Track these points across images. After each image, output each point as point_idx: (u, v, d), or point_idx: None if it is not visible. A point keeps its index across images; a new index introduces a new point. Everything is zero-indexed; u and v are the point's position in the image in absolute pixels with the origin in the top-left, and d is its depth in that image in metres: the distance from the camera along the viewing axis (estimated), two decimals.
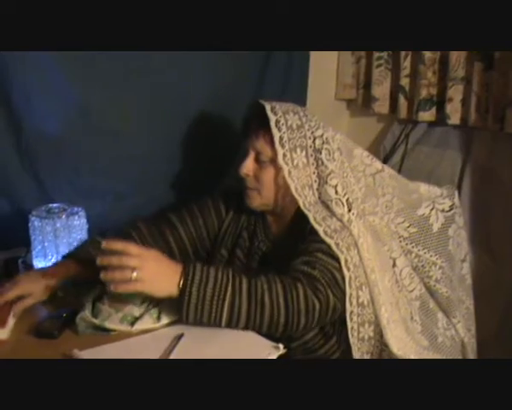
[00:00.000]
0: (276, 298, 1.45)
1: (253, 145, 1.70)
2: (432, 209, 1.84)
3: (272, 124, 1.64)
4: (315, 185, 1.69)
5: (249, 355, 1.40)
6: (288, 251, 1.66)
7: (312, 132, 1.69)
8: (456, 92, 2.21)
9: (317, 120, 1.72)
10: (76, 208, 1.79)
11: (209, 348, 1.43)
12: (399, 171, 2.35)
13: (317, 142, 1.69)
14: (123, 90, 2.00)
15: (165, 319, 1.53)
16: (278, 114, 1.65)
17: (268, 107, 1.66)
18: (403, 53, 2.35)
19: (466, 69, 2.18)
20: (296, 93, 2.42)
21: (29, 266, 1.80)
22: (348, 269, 1.59)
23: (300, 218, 1.68)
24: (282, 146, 1.64)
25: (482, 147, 2.21)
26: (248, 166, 1.70)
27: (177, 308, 1.45)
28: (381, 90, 2.48)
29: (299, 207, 1.68)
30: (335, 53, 2.63)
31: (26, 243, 1.80)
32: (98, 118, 1.99)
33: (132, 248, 1.43)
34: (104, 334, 1.49)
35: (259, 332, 1.47)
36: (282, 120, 1.65)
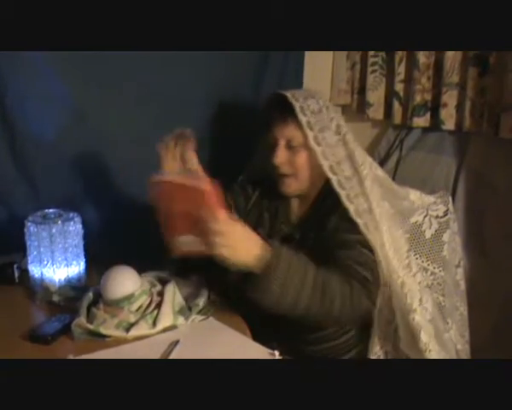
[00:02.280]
0: (341, 304, 1.53)
1: (282, 133, 1.72)
2: (425, 216, 1.86)
3: (297, 109, 1.67)
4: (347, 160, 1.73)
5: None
6: (310, 231, 1.73)
7: (331, 118, 1.73)
8: (450, 98, 2.21)
9: (331, 106, 1.77)
10: (71, 214, 1.78)
11: (205, 354, 1.43)
12: (394, 176, 2.35)
13: (334, 123, 1.73)
14: (120, 93, 2.00)
15: (160, 325, 1.53)
16: (300, 100, 1.69)
17: (289, 95, 1.69)
18: (397, 59, 2.36)
19: (460, 75, 2.18)
20: None
21: (24, 272, 1.80)
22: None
23: (324, 197, 1.75)
24: (311, 129, 1.68)
25: (477, 152, 2.21)
26: (281, 154, 1.73)
27: (245, 282, 1.49)
28: (376, 95, 2.48)
29: (322, 187, 1.75)
30: (330, 58, 2.64)
31: (21, 249, 1.80)
32: (94, 122, 1.99)
33: (220, 213, 1.43)
34: (99, 339, 1.49)
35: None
36: (305, 106, 1.69)
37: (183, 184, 1.47)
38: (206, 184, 1.42)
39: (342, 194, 1.66)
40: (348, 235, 1.65)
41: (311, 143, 1.67)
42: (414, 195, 1.88)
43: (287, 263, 1.48)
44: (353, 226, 1.64)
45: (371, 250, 1.64)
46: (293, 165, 1.73)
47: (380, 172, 1.83)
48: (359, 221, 1.64)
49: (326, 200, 1.74)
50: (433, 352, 1.72)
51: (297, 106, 1.67)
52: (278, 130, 1.73)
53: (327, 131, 1.69)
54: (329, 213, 1.70)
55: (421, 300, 1.76)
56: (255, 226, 1.85)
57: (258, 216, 1.88)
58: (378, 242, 1.66)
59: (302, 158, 1.72)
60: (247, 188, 1.93)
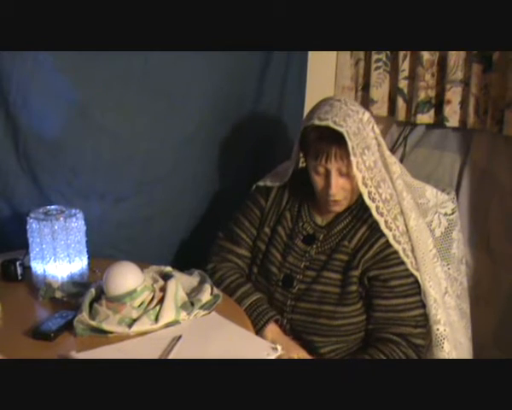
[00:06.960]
0: None
1: (333, 165, 1.70)
2: (435, 214, 1.86)
3: (346, 136, 1.64)
4: (387, 178, 1.75)
5: (248, 356, 1.40)
6: (336, 236, 1.80)
7: (367, 133, 1.72)
8: (454, 94, 2.20)
9: (363, 115, 1.74)
10: (74, 210, 1.78)
11: (207, 349, 1.43)
12: None
13: (371, 137, 1.73)
14: (123, 91, 1.99)
15: (163, 321, 1.53)
16: (343, 125, 1.66)
17: (331, 123, 1.66)
18: (401, 55, 2.35)
19: (464, 71, 2.18)
20: (295, 95, 2.42)
21: (27, 268, 1.80)
22: (415, 270, 1.72)
23: (357, 206, 1.80)
24: (355, 155, 1.66)
25: (481, 149, 2.20)
26: (338, 185, 1.73)
27: None
28: (380, 92, 2.47)
29: (357, 199, 1.79)
30: (334, 55, 2.63)
31: (23, 245, 1.80)
32: (97, 118, 1.98)
33: None
34: (102, 335, 1.49)
35: None
36: (348, 129, 1.65)
37: None
38: None
39: (381, 221, 1.71)
40: (391, 269, 1.72)
41: (354, 170, 1.67)
42: (430, 192, 1.89)
43: None
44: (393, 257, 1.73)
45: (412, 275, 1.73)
46: (344, 189, 1.74)
47: (402, 168, 1.86)
48: (397, 247, 1.71)
49: (359, 209, 1.79)
50: None
51: (344, 132, 1.64)
52: (330, 163, 1.70)
53: (366, 153, 1.69)
54: (360, 224, 1.77)
55: (444, 310, 1.77)
56: (275, 226, 1.88)
57: (278, 216, 1.89)
58: (415, 266, 1.74)
59: (352, 182, 1.73)
60: (259, 200, 1.94)
